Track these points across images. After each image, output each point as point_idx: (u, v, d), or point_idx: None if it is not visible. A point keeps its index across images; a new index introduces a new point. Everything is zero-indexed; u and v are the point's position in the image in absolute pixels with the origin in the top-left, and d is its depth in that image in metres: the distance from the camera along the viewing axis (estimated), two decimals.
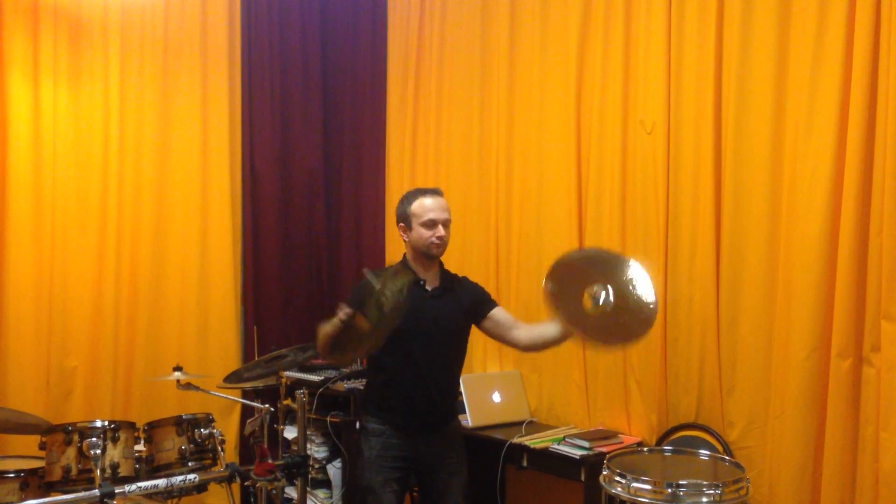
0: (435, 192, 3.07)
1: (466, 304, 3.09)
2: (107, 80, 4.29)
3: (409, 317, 2.92)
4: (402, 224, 3.07)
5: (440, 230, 2.98)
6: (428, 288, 3.04)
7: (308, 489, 4.31)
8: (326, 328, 2.73)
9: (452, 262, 4.34)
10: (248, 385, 4.07)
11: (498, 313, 3.12)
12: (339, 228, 5.28)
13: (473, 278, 4.21)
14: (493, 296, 4.09)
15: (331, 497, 4.43)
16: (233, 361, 4.57)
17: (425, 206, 2.99)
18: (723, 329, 3.22)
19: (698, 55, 3.29)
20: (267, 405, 3.33)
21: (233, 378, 3.72)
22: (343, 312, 2.60)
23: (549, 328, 2.89)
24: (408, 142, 4.71)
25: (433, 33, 4.56)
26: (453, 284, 3.13)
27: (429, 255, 3.01)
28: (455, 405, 3.17)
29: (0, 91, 3.98)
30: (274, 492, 3.21)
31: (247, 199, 4.84)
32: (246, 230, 4.83)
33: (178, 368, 3.41)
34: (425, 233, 2.98)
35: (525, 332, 3.04)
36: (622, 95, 3.55)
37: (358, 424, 3.20)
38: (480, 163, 4.26)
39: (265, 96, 4.97)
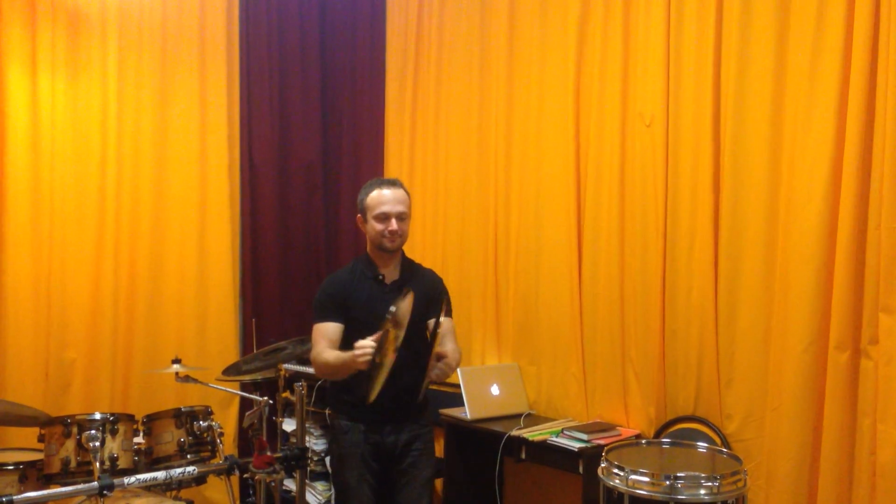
0: (392, 183, 2.99)
1: (422, 297, 2.92)
2: (105, 72, 4.29)
3: (367, 312, 2.91)
4: (359, 215, 3.03)
5: (393, 224, 2.91)
6: (387, 282, 3.00)
7: (307, 481, 4.33)
8: (333, 361, 2.80)
9: (452, 254, 4.38)
10: (246, 377, 4.06)
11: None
12: (337, 222, 5.28)
13: (472, 273, 4.26)
14: (492, 290, 4.14)
15: (329, 489, 4.44)
16: (231, 354, 4.58)
17: (378, 199, 2.93)
18: (721, 321, 3.22)
19: (697, 47, 3.29)
20: (265, 398, 3.33)
21: (231, 371, 3.72)
22: (367, 356, 2.60)
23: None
24: (406, 135, 4.70)
25: (432, 25, 4.55)
26: (413, 276, 3.06)
27: (383, 248, 2.96)
28: (424, 398, 3.06)
29: None
30: (273, 484, 3.21)
31: (245, 193, 4.84)
32: (244, 223, 4.83)
33: (176, 361, 3.41)
34: (378, 226, 2.93)
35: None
36: (621, 88, 3.55)
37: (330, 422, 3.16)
38: (479, 155, 4.26)
39: (263, 89, 4.97)
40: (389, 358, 2.60)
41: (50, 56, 4.11)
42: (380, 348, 2.57)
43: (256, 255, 4.94)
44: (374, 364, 2.58)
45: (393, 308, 2.55)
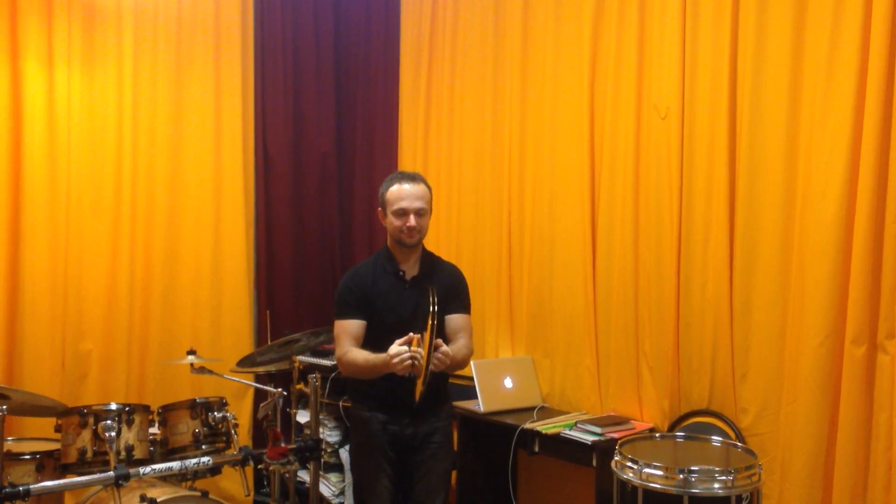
0: (413, 178, 2.97)
1: (443, 292, 2.93)
2: (120, 64, 4.30)
3: (386, 307, 2.93)
4: (379, 209, 3.02)
5: (411, 220, 2.90)
6: (407, 278, 3.00)
7: (320, 473, 4.35)
8: (363, 364, 2.85)
9: (466, 247, 4.37)
10: (261, 369, 4.09)
11: (453, 320, 3.01)
12: (351, 213, 5.28)
13: (486, 265, 4.25)
14: (506, 283, 4.13)
15: (343, 481, 4.45)
16: (246, 346, 4.60)
17: (398, 194, 2.92)
18: (736, 315, 3.20)
19: (713, 39, 3.26)
20: (280, 389, 3.35)
21: (246, 362, 3.74)
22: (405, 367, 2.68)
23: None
24: (420, 126, 4.70)
25: (446, 16, 4.54)
26: (433, 270, 3.06)
27: (401, 243, 2.96)
28: (445, 391, 3.10)
29: (15, 76, 4.00)
30: (287, 475, 3.23)
31: (260, 184, 4.86)
32: (259, 215, 4.85)
33: (191, 352, 3.43)
34: (396, 222, 2.92)
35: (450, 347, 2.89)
36: (636, 80, 3.53)
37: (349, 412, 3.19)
38: (493, 146, 4.25)
39: (278, 81, 4.98)
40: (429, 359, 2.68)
41: (66, 48, 4.13)
42: (423, 353, 2.65)
43: (271, 246, 4.96)
44: (416, 368, 2.66)
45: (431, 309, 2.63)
